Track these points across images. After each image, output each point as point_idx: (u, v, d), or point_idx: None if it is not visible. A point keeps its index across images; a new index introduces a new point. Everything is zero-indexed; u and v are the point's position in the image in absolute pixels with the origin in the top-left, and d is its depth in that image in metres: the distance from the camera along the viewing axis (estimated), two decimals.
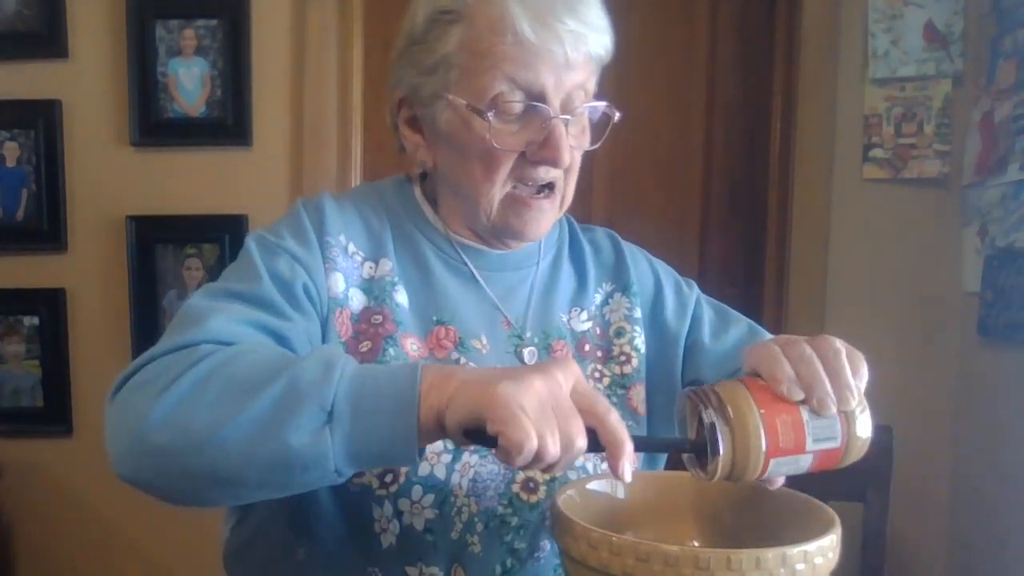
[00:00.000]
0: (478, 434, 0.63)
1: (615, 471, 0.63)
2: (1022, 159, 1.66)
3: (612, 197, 2.08)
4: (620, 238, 1.07)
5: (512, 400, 0.60)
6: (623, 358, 0.97)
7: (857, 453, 0.69)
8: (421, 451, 0.66)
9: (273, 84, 1.94)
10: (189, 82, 1.92)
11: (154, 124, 1.93)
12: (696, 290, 1.05)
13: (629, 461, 0.63)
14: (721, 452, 0.66)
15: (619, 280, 1.01)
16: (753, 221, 2.10)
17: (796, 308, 1.97)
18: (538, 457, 0.60)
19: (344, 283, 0.86)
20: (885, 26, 1.90)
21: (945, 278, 1.92)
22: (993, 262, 1.75)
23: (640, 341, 0.98)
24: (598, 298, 1.00)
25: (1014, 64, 1.72)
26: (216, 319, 0.74)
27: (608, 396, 0.94)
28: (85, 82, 1.94)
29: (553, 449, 0.60)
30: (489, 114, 0.83)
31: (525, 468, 0.63)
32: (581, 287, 0.99)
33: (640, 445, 0.67)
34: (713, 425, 0.67)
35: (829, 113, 1.95)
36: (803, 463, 0.68)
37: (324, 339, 0.84)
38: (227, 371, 0.68)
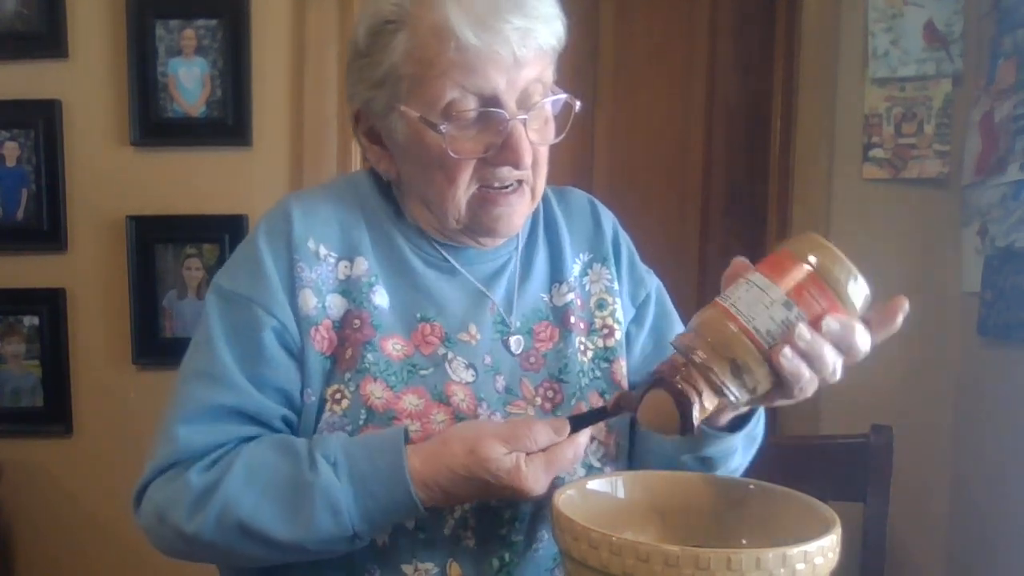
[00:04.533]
0: None
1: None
2: (1022, 159, 1.66)
3: (612, 197, 2.06)
4: (597, 202, 1.05)
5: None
6: (606, 331, 0.96)
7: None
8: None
9: (273, 84, 1.94)
10: (189, 82, 1.92)
11: (154, 124, 1.92)
12: (653, 280, 1.04)
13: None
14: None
15: (597, 249, 1.00)
16: (753, 221, 2.10)
17: None
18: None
19: (316, 296, 0.85)
20: (885, 26, 1.90)
21: (945, 278, 1.92)
22: (993, 262, 1.75)
23: (621, 314, 0.98)
24: (576, 268, 0.98)
25: (1014, 64, 1.72)
26: (184, 428, 0.82)
27: (592, 370, 0.94)
28: (85, 82, 1.94)
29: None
30: (442, 126, 0.81)
31: None
32: (557, 261, 0.98)
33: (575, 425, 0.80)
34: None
35: (829, 113, 1.95)
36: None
37: (303, 363, 0.85)
38: (243, 525, 0.78)
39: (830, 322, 0.67)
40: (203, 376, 0.83)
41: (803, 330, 0.66)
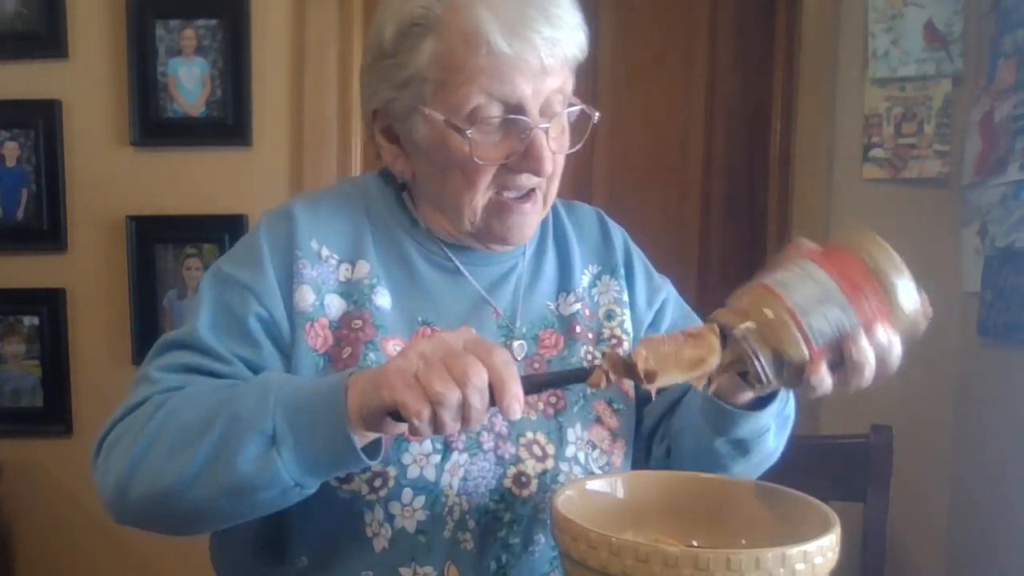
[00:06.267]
0: (396, 413, 0.67)
1: (501, 409, 0.67)
2: (1022, 159, 1.66)
3: (612, 197, 2.08)
4: (606, 216, 1.06)
5: (398, 370, 0.67)
6: (614, 341, 0.97)
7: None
8: (373, 452, 0.72)
9: (273, 84, 1.94)
10: (189, 82, 1.92)
11: (154, 124, 1.93)
12: (669, 286, 1.05)
13: (516, 400, 0.67)
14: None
15: (606, 261, 1.01)
16: (753, 221, 2.10)
17: None
18: (438, 403, 0.65)
19: (315, 294, 0.85)
20: (885, 26, 1.90)
21: (945, 278, 1.92)
22: (993, 262, 1.75)
23: (630, 325, 0.98)
24: (585, 280, 0.99)
25: (1014, 64, 1.72)
26: (158, 374, 0.82)
27: None
28: (85, 82, 1.94)
29: (445, 391, 0.65)
30: (468, 131, 0.82)
31: (452, 429, 0.67)
32: (566, 271, 0.99)
33: (531, 386, 0.70)
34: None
35: (829, 113, 1.95)
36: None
37: (292, 359, 0.84)
38: (177, 418, 0.75)
39: (880, 336, 0.67)
40: (182, 345, 0.83)
41: (860, 338, 0.67)
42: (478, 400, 0.66)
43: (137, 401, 0.80)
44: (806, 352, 0.67)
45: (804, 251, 0.71)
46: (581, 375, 0.72)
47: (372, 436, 0.72)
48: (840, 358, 0.69)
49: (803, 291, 0.66)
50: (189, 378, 0.81)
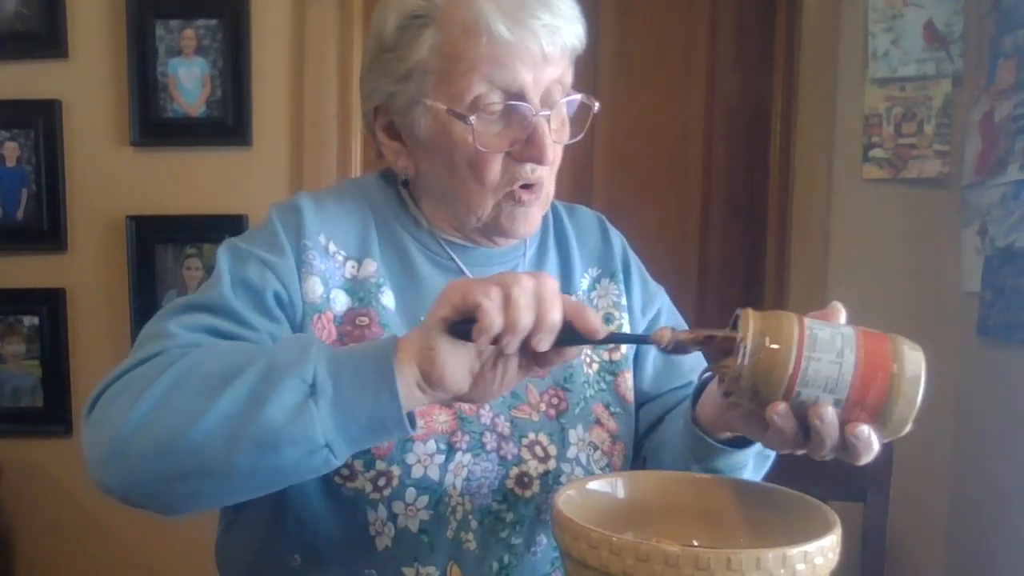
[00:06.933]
0: (460, 327, 0.66)
1: (587, 330, 0.67)
2: (1022, 159, 1.66)
3: (611, 197, 2.09)
4: (606, 220, 1.06)
5: (470, 280, 0.68)
6: (611, 345, 0.97)
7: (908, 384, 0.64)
8: (412, 419, 0.69)
9: (273, 84, 1.94)
10: (189, 82, 1.92)
11: (154, 124, 1.93)
12: (664, 295, 1.06)
13: (599, 321, 0.67)
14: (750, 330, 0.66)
15: (606, 265, 1.01)
16: (753, 221, 2.10)
17: (796, 309, 1.97)
18: (513, 284, 0.64)
19: (323, 286, 0.85)
20: (885, 26, 1.90)
21: (945, 278, 1.92)
22: (993, 262, 1.75)
23: (628, 329, 0.99)
24: (584, 283, 1.00)
25: (1014, 64, 1.72)
26: (176, 329, 0.76)
27: (597, 382, 0.95)
28: (85, 82, 1.94)
29: (519, 280, 0.64)
30: (471, 118, 0.82)
31: (525, 323, 0.64)
32: (567, 274, 0.99)
33: (609, 339, 0.70)
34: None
35: (829, 113, 1.95)
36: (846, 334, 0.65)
37: None
38: (200, 369, 0.69)
39: (863, 429, 0.65)
40: (204, 308, 0.80)
41: (826, 414, 0.65)
42: (551, 300, 0.65)
43: (149, 355, 0.73)
44: (780, 395, 0.66)
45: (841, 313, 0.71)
46: (644, 337, 0.73)
47: (415, 403, 0.69)
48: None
49: (821, 367, 0.65)
50: (210, 339, 0.77)
